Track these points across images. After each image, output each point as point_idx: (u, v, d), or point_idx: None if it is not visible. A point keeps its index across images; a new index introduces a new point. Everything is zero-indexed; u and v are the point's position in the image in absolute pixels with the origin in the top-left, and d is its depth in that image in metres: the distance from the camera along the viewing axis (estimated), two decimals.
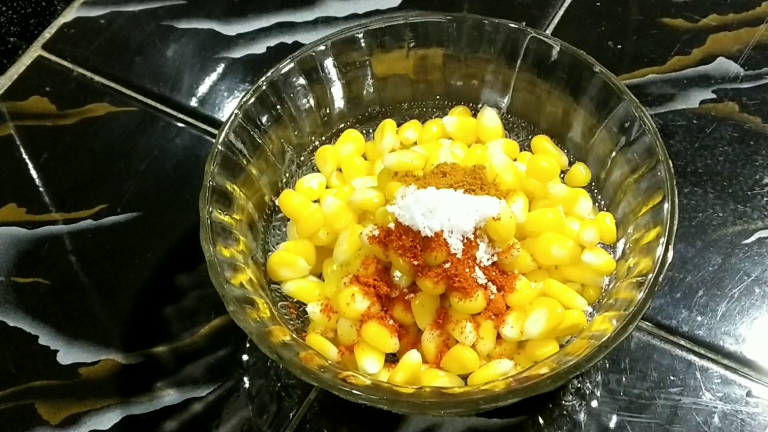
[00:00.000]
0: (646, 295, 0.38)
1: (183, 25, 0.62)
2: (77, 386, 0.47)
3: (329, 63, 0.49)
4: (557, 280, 0.43)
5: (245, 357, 0.47)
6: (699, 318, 0.47)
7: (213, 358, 0.47)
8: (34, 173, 0.56)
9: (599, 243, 0.45)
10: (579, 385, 0.45)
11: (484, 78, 0.50)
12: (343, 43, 0.49)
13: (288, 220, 0.48)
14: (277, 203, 0.49)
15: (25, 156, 0.57)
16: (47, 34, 0.63)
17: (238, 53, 0.61)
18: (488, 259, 0.42)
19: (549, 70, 0.48)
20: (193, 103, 0.58)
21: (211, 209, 0.42)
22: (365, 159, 0.50)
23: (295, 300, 0.46)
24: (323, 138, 0.51)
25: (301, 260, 0.45)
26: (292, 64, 0.48)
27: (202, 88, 0.59)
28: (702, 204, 0.51)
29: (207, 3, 0.64)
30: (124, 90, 0.59)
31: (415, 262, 0.41)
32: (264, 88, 0.47)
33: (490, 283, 0.42)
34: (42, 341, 0.49)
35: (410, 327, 0.43)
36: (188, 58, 0.61)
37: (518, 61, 0.48)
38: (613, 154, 0.46)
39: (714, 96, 0.56)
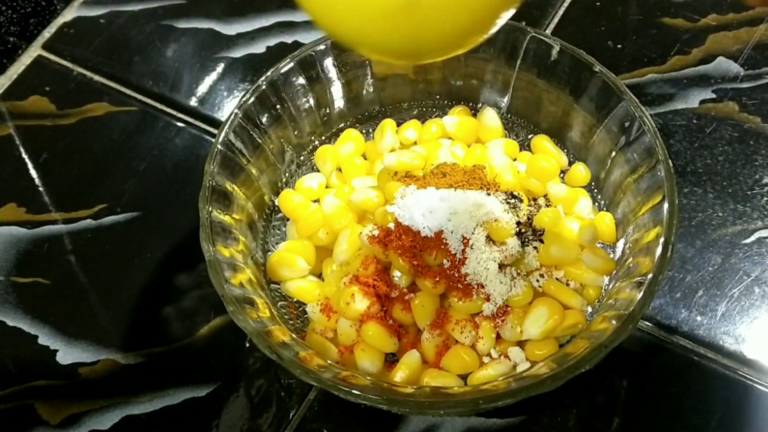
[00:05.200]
0: (645, 295, 0.38)
1: (183, 24, 0.62)
2: (77, 386, 0.47)
3: (329, 63, 0.49)
4: (557, 280, 0.44)
5: (245, 357, 0.47)
6: (699, 318, 0.47)
7: (213, 358, 0.47)
8: (33, 173, 0.56)
9: (599, 243, 0.45)
10: (579, 385, 0.45)
11: (484, 78, 0.50)
12: None
13: (288, 220, 0.48)
14: (276, 203, 0.49)
15: (25, 156, 0.57)
16: (47, 33, 0.62)
17: (237, 53, 0.61)
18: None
19: (549, 69, 0.48)
20: (193, 102, 0.58)
21: (210, 209, 0.42)
22: (365, 159, 0.50)
23: (295, 300, 0.46)
24: (323, 138, 0.51)
25: (300, 260, 0.45)
26: (292, 64, 0.48)
27: (202, 88, 0.59)
28: (702, 204, 0.51)
29: (207, 3, 0.64)
30: (123, 90, 0.59)
31: (415, 262, 0.41)
32: (264, 87, 0.47)
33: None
34: (42, 341, 0.49)
35: (410, 327, 0.43)
36: (188, 58, 0.61)
37: (518, 61, 0.48)
38: (613, 153, 0.46)
39: (714, 96, 0.56)
